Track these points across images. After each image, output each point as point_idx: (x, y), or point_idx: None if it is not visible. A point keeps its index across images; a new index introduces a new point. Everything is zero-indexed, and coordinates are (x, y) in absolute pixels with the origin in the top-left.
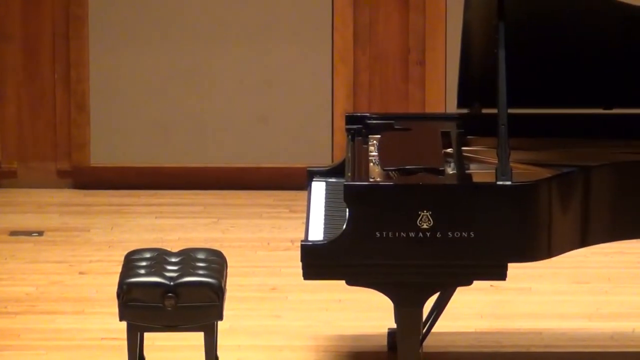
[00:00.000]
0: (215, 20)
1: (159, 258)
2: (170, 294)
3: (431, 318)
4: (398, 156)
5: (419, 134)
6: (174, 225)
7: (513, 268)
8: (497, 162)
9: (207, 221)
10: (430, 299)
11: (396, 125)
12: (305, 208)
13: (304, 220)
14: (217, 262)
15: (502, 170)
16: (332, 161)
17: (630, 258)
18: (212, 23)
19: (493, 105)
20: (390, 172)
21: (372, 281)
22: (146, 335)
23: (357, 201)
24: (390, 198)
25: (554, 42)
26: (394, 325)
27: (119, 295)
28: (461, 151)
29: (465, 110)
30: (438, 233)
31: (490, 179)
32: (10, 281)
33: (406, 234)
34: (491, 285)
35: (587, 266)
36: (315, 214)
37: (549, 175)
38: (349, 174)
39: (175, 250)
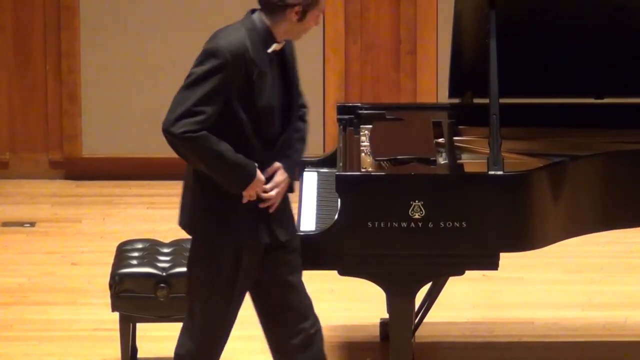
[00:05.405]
0: (205, 10)
1: (151, 249)
2: (162, 285)
3: (423, 308)
4: (390, 146)
5: (411, 124)
6: (165, 215)
7: (505, 258)
8: (488, 151)
9: None
10: (422, 288)
11: (388, 116)
12: (297, 198)
13: (296, 211)
14: None
15: (494, 160)
16: (324, 151)
17: (623, 247)
18: (202, 13)
19: (484, 95)
20: (381, 162)
21: (364, 271)
22: (138, 325)
23: (348, 191)
24: (382, 188)
25: (545, 31)
26: (387, 315)
27: (111, 286)
28: (453, 141)
29: (456, 100)
30: (430, 223)
31: (482, 168)
32: (2, 272)
33: (398, 224)
34: (483, 275)
35: (579, 256)
36: (307, 204)
37: (541, 165)
38: (341, 164)
39: (167, 240)
